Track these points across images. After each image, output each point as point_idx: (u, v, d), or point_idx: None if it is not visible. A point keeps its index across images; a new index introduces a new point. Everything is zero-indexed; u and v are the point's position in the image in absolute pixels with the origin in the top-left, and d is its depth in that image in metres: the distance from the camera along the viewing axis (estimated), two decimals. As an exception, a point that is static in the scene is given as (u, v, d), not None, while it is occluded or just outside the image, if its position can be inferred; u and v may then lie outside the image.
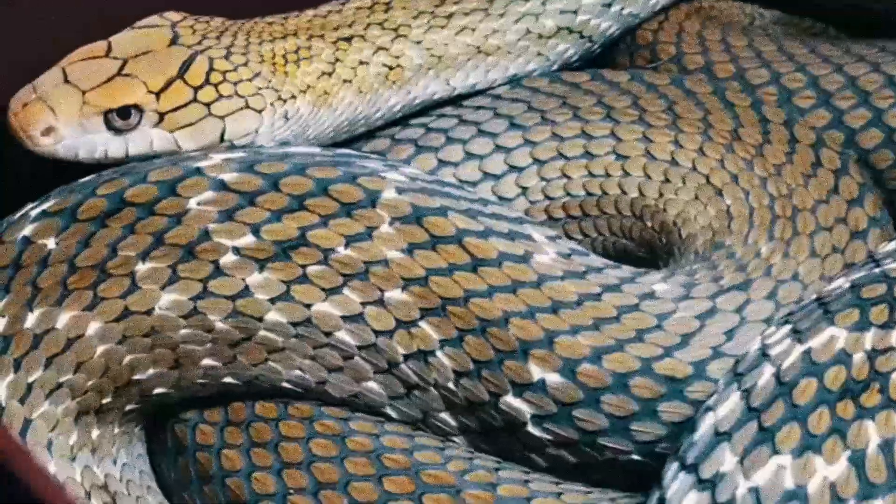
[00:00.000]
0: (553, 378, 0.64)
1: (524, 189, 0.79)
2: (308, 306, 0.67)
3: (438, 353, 0.66)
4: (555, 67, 0.84)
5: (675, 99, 0.78)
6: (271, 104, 0.73)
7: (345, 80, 0.77)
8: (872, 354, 0.55)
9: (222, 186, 0.67)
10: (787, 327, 0.58)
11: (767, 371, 0.56)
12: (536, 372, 0.65)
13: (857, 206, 0.71)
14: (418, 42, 0.79)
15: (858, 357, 0.55)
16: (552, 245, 0.69)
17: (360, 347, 0.67)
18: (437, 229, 0.67)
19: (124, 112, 0.71)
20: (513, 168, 0.80)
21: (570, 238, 0.79)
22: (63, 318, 0.65)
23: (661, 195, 0.76)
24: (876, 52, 0.80)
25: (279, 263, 0.67)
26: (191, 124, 0.71)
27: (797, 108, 0.79)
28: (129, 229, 0.66)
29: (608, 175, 0.78)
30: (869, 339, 0.55)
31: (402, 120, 0.81)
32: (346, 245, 0.67)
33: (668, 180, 0.76)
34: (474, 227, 0.68)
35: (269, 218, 0.67)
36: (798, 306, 0.60)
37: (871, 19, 0.89)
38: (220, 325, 0.67)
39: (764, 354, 0.57)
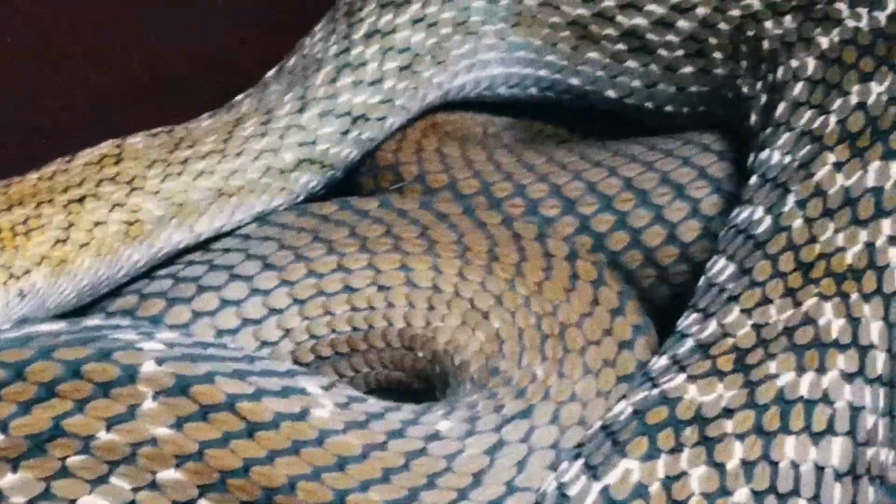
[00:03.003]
0: (349, 541, 0.62)
1: (287, 331, 0.77)
2: (73, 502, 0.62)
3: (223, 532, 0.62)
4: (300, 199, 0.81)
5: (427, 224, 0.78)
6: (3, 283, 0.67)
7: (82, 245, 0.71)
8: (667, 482, 0.55)
9: (-42, 385, 0.61)
10: (580, 462, 0.57)
11: (569, 514, 0.55)
12: (331, 537, 0.62)
13: (620, 315, 0.72)
14: (156, 192, 0.75)
15: (655, 488, 0.55)
16: (328, 396, 0.66)
17: (136, 538, 0.62)
18: (205, 398, 0.63)
19: None
20: (273, 311, 0.77)
21: (342, 375, 0.77)
22: None
23: (428, 323, 0.75)
24: (610, 156, 0.83)
25: (34, 460, 0.61)
26: (-88, 319, 0.65)
27: (545, 217, 0.81)
28: None
29: (372, 308, 0.76)
30: (661, 467, 0.55)
31: (149, 272, 0.77)
32: (108, 429, 0.62)
33: (433, 308, 0.75)
34: (245, 389, 0.64)
35: (16, 412, 0.61)
36: (586, 437, 0.60)
37: (593, 120, 0.92)
38: (-27, 541, 0.60)
39: (563, 495, 0.56)
